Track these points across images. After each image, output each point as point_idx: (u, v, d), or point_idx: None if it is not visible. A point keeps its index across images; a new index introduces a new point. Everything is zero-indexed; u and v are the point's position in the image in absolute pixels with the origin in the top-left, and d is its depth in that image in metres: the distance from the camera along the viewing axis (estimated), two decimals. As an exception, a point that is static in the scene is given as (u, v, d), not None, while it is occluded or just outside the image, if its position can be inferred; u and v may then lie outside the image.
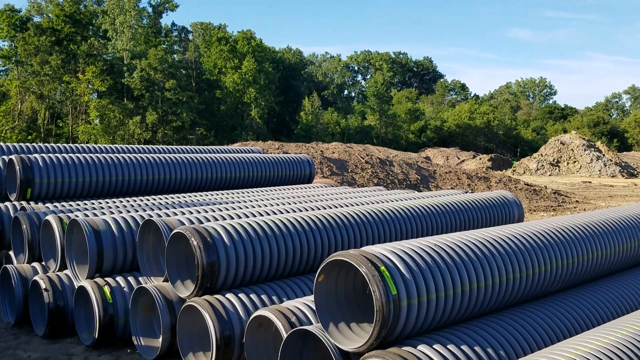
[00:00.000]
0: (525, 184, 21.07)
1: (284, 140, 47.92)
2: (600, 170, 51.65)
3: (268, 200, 7.24)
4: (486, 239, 4.03)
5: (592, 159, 53.68)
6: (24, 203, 7.05)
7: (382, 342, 3.35)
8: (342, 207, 6.31)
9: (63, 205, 6.89)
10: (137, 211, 6.36)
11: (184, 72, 56.73)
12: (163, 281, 5.24)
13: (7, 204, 7.18)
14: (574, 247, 4.47)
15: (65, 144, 9.05)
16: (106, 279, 5.35)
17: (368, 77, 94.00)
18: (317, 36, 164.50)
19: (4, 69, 52.01)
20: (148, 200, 7.45)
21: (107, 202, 7.18)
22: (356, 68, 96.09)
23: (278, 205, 6.72)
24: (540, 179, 39.41)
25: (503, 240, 4.06)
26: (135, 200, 7.37)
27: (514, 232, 4.23)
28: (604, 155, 54.70)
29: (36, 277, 5.61)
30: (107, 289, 5.21)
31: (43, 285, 5.44)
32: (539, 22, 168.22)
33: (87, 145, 9.11)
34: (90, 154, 7.99)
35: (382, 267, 3.40)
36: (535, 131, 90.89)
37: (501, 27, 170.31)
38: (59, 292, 5.48)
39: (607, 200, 23.84)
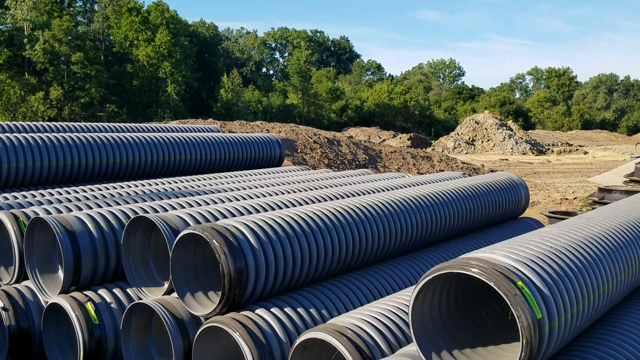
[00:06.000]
0: (462, 163, 21.15)
1: (204, 118, 46.05)
2: (512, 148, 53.99)
3: (257, 187, 6.26)
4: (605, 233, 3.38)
5: (504, 137, 56.01)
6: (-49, 195, 5.65)
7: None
8: (362, 194, 5.47)
9: (6, 197, 5.57)
10: (109, 205, 5.18)
11: (91, 44, 52.86)
12: (163, 294, 4.20)
13: None
14: None
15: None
16: (86, 292, 4.23)
17: (286, 54, 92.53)
18: (232, 10, 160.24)
19: None
20: (107, 188, 6.23)
21: (61, 193, 5.91)
22: (274, 45, 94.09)
23: (278, 194, 5.77)
24: (459, 157, 40.37)
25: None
26: (93, 190, 6.13)
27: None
28: (514, 133, 57.24)
29: (-12, 293, 4.37)
30: (90, 307, 4.10)
31: (1, 304, 4.23)
32: (446, 4, 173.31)
33: (14, 123, 7.61)
34: (23, 134, 6.60)
35: (520, 283, 2.63)
36: (447, 111, 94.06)
37: (410, 8, 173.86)
38: (22, 311, 4.30)
39: (535, 177, 24.58)
